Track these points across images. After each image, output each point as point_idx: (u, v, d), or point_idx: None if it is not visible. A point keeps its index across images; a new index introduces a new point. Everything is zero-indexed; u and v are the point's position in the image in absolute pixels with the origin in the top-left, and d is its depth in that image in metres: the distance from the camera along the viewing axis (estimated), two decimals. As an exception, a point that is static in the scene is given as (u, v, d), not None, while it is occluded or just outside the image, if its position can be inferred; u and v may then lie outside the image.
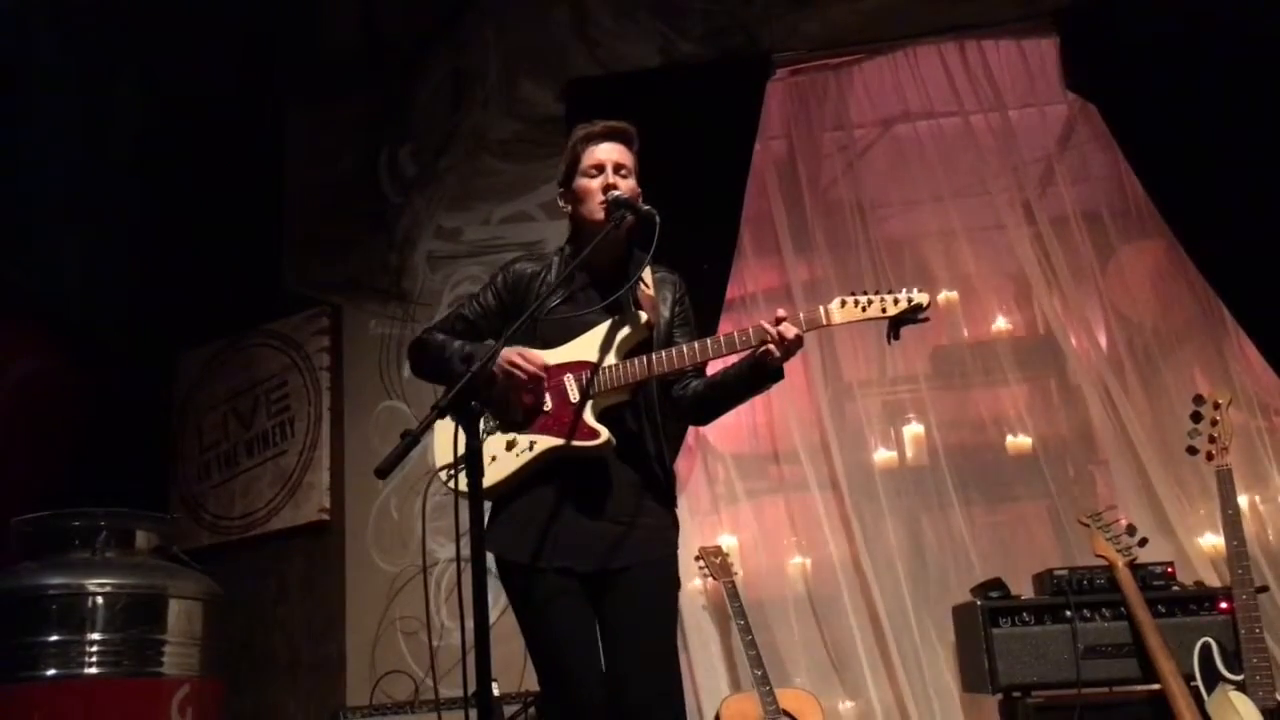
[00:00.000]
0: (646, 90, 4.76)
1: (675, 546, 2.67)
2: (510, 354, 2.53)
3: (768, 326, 2.50)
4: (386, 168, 5.23)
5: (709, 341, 2.57)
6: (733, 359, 2.63)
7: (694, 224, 3.90)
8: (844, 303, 2.56)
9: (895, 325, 2.57)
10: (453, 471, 2.51)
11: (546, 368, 2.58)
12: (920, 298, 2.55)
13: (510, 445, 2.59)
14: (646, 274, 2.71)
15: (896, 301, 2.55)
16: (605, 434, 2.54)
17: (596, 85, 4.87)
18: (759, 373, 2.56)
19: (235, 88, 5.32)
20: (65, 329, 4.90)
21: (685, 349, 2.57)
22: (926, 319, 2.57)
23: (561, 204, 2.80)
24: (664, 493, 2.67)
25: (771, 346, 2.49)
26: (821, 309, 2.56)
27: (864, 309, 2.55)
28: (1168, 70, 4.39)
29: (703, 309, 3.20)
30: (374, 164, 5.24)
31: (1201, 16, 4.40)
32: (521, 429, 2.59)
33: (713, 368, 2.73)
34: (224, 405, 5.23)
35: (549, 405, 2.58)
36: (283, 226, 5.28)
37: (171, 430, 5.33)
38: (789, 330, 2.49)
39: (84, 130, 5.01)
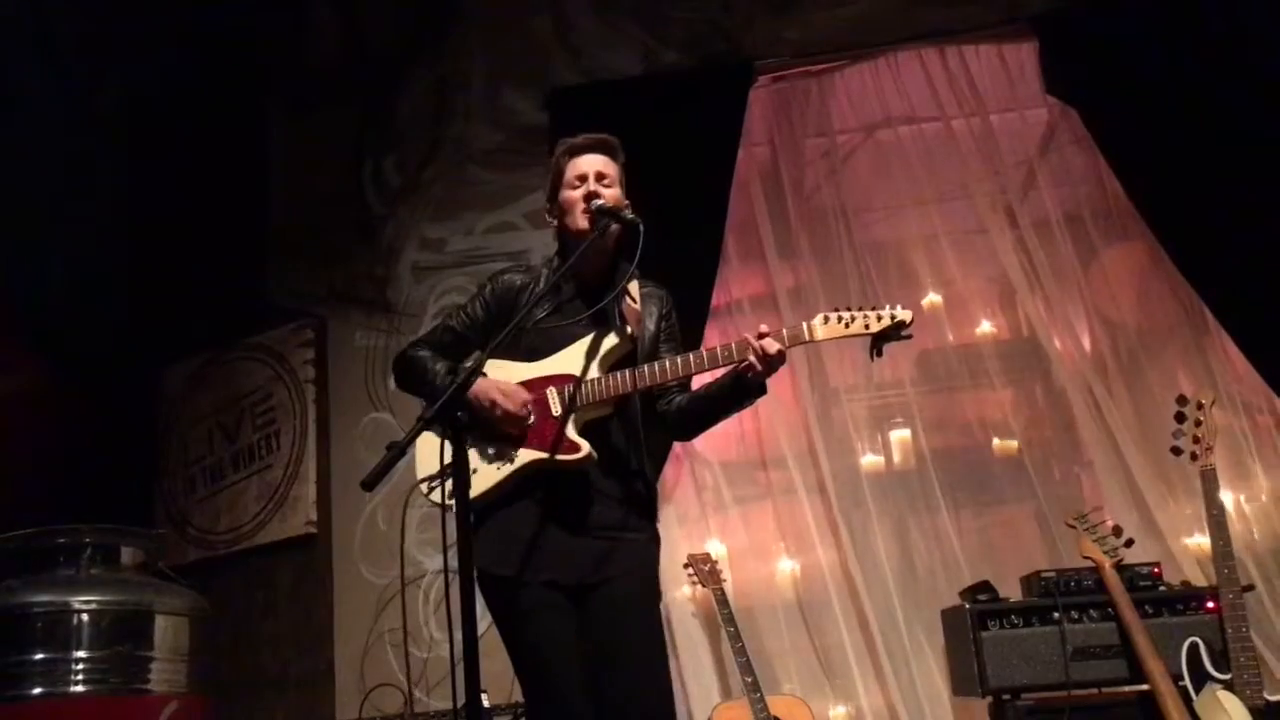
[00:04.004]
0: (630, 98, 4.77)
1: (657, 560, 2.66)
2: (492, 392, 2.53)
3: (751, 340, 2.50)
4: (371, 178, 5.22)
5: (692, 356, 2.56)
6: (717, 373, 2.63)
7: (679, 231, 3.92)
8: (827, 319, 2.55)
9: (878, 342, 2.55)
10: (434, 484, 2.51)
11: (528, 383, 2.59)
12: (904, 315, 2.53)
13: (492, 458, 2.58)
14: (633, 287, 2.71)
15: (880, 318, 2.53)
16: (586, 448, 2.53)
17: (580, 94, 4.88)
18: (741, 388, 2.56)
19: (219, 99, 5.30)
20: (48, 344, 4.87)
21: (668, 363, 2.56)
22: (909, 336, 2.55)
23: (548, 218, 2.80)
24: (645, 507, 2.66)
25: (754, 360, 2.49)
26: (804, 325, 2.55)
27: (847, 325, 2.54)
28: (1147, 73, 4.42)
29: (687, 316, 3.20)
30: (358, 175, 5.23)
31: (1179, 19, 4.44)
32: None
33: (697, 382, 2.73)
34: (209, 419, 5.20)
35: (531, 419, 2.58)
36: (267, 238, 5.27)
37: (156, 445, 5.29)
38: (771, 346, 2.48)
39: (66, 142, 4.98)
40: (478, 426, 2.56)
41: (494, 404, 2.53)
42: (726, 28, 4.91)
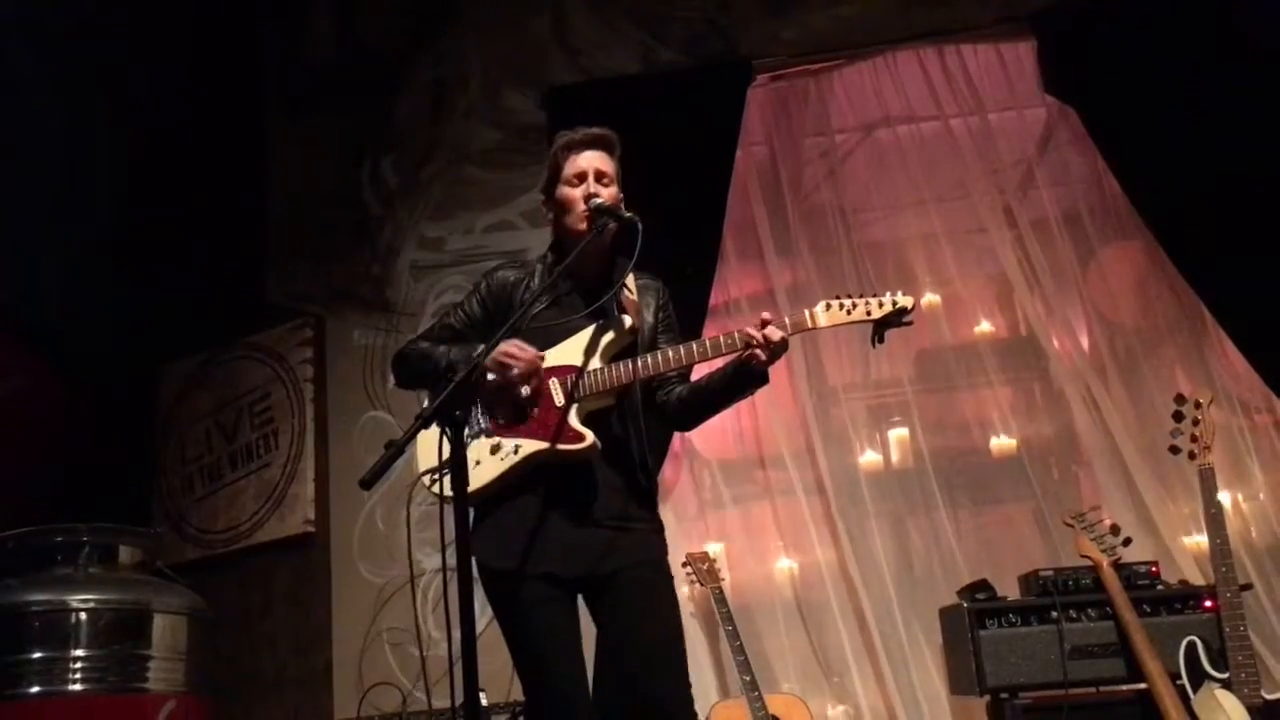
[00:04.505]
0: (628, 97, 4.77)
1: (665, 548, 2.67)
2: (498, 355, 2.51)
3: (752, 331, 2.51)
4: (369, 178, 5.22)
5: (694, 345, 2.57)
6: (718, 363, 2.63)
7: (677, 230, 3.91)
8: (829, 306, 2.57)
9: (880, 328, 2.57)
10: (436, 476, 2.51)
11: (541, 356, 2.59)
12: (905, 301, 2.55)
13: (494, 449, 2.58)
14: (630, 280, 2.71)
15: (881, 305, 2.56)
16: (590, 437, 2.54)
17: (578, 93, 4.88)
18: (744, 376, 2.57)
19: (217, 98, 5.29)
20: (46, 344, 4.87)
21: (670, 352, 2.57)
22: (911, 322, 2.58)
23: (545, 212, 2.81)
24: (648, 498, 2.66)
25: (757, 350, 2.49)
26: (806, 312, 2.58)
27: (849, 312, 2.56)
28: (1145, 72, 4.42)
29: (686, 314, 3.21)
30: (356, 175, 5.23)
31: (1178, 18, 4.44)
32: (507, 431, 2.59)
33: (697, 373, 2.73)
34: (207, 418, 5.20)
35: (534, 410, 2.58)
36: (265, 238, 5.27)
37: (154, 444, 5.29)
38: (774, 333, 2.49)
39: (64, 142, 4.98)
40: (486, 398, 2.55)
41: (502, 365, 2.51)
42: (724, 27, 4.91)
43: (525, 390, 2.55)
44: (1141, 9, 4.50)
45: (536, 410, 2.57)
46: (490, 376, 2.52)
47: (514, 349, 2.53)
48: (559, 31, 5.07)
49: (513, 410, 2.58)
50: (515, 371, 2.52)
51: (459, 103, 5.17)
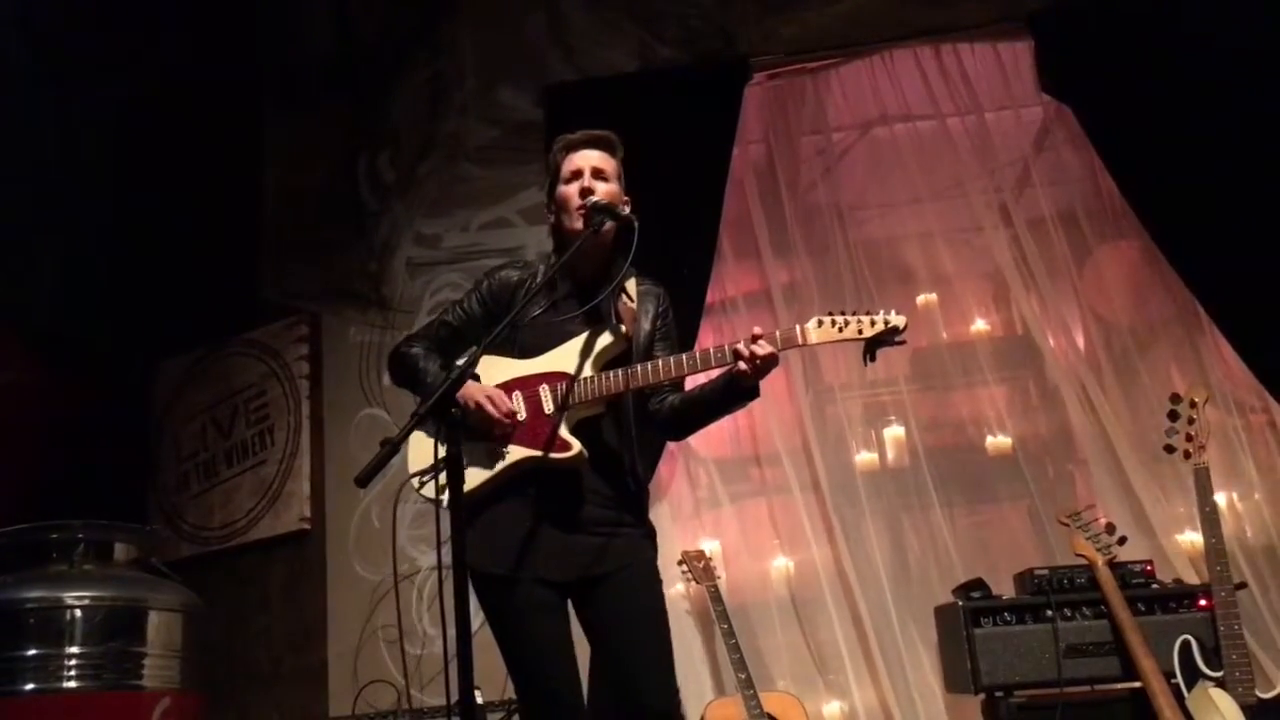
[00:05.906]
0: (625, 95, 4.76)
1: (654, 552, 2.67)
2: (478, 396, 2.53)
3: (741, 347, 2.49)
4: (365, 175, 5.22)
5: (685, 357, 2.56)
6: (712, 373, 2.63)
7: (674, 228, 3.92)
8: (821, 322, 2.54)
9: (871, 347, 2.54)
10: (425, 479, 2.51)
11: (522, 379, 2.59)
12: (897, 320, 2.52)
13: (483, 455, 2.58)
14: (630, 286, 2.71)
15: (873, 323, 2.52)
16: (578, 447, 2.53)
17: (575, 90, 4.87)
18: (734, 390, 2.56)
19: (213, 94, 5.29)
20: (41, 339, 4.86)
21: (661, 364, 2.56)
22: (903, 342, 2.54)
23: (547, 216, 2.80)
24: (637, 506, 2.66)
25: (743, 365, 2.49)
26: (798, 328, 2.55)
27: (840, 329, 2.53)
28: (1141, 71, 4.42)
29: (683, 312, 3.21)
30: (352, 171, 5.22)
31: (1173, 18, 4.44)
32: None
33: (690, 382, 2.73)
34: (202, 415, 5.20)
35: (523, 415, 2.58)
36: (260, 234, 5.26)
37: (149, 441, 5.29)
38: (763, 349, 2.48)
39: (58, 137, 4.97)
40: (466, 427, 2.56)
41: (479, 406, 2.53)
42: (721, 25, 4.90)
43: (495, 435, 2.56)
44: (1138, 9, 4.50)
45: (525, 417, 2.57)
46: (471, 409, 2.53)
47: (490, 408, 2.53)
48: (556, 28, 5.06)
49: (483, 450, 2.58)
50: (483, 418, 2.53)
51: (455, 99, 5.16)
